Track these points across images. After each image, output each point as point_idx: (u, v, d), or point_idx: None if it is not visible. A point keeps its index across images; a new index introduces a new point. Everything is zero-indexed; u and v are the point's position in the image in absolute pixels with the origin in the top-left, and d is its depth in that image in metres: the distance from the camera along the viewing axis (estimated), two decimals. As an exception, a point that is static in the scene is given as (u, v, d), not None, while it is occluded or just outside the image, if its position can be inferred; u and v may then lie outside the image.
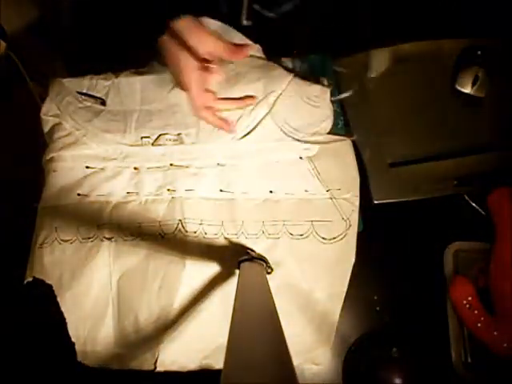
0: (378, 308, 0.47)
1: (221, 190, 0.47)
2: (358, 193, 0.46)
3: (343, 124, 0.51)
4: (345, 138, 0.48)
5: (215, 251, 0.45)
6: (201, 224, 0.46)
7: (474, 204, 0.49)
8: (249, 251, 0.44)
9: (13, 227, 0.51)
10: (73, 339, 0.44)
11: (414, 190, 0.49)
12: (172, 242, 0.46)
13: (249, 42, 0.49)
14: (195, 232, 0.46)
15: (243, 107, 0.48)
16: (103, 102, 0.51)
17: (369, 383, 0.44)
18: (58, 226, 0.47)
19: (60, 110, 0.50)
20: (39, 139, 0.51)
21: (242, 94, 0.48)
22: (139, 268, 0.45)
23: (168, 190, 0.47)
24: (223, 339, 0.26)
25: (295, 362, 0.24)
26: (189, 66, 0.44)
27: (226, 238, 0.46)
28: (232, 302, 0.32)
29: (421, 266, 0.47)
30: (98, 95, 0.51)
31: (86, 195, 0.48)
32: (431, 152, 0.50)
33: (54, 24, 0.60)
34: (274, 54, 0.52)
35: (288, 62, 0.53)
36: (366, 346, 0.46)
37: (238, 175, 0.47)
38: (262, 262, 0.42)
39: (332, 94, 0.50)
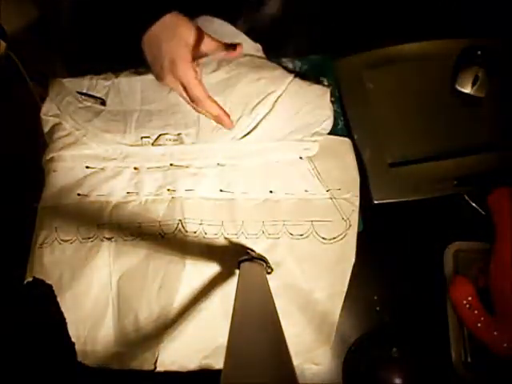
0: (378, 308, 0.47)
1: (221, 190, 0.47)
2: (358, 193, 0.47)
3: (343, 124, 0.51)
4: (345, 138, 0.48)
5: (215, 251, 0.45)
6: (201, 224, 0.46)
7: (474, 204, 0.49)
8: (249, 251, 0.44)
9: (13, 227, 0.51)
10: (73, 339, 0.44)
11: (414, 189, 0.49)
12: (172, 241, 0.46)
13: (249, 41, 0.50)
14: (195, 232, 0.46)
15: (219, 122, 0.47)
16: (103, 102, 0.51)
17: (369, 383, 0.44)
18: (58, 225, 0.47)
19: (60, 110, 0.50)
20: (39, 139, 0.51)
21: (242, 94, 0.48)
22: (139, 268, 0.45)
23: (168, 190, 0.47)
24: (223, 339, 0.26)
25: (295, 362, 0.24)
26: (183, 57, 0.43)
27: (226, 238, 0.46)
28: (232, 302, 0.32)
29: (421, 266, 0.47)
30: (98, 95, 0.51)
31: (86, 195, 0.48)
32: (431, 152, 0.50)
33: (54, 24, 0.60)
34: (274, 54, 0.52)
35: (288, 62, 0.53)
36: (365, 346, 0.46)
37: (237, 175, 0.47)
38: (262, 262, 0.42)
39: (332, 94, 0.50)
